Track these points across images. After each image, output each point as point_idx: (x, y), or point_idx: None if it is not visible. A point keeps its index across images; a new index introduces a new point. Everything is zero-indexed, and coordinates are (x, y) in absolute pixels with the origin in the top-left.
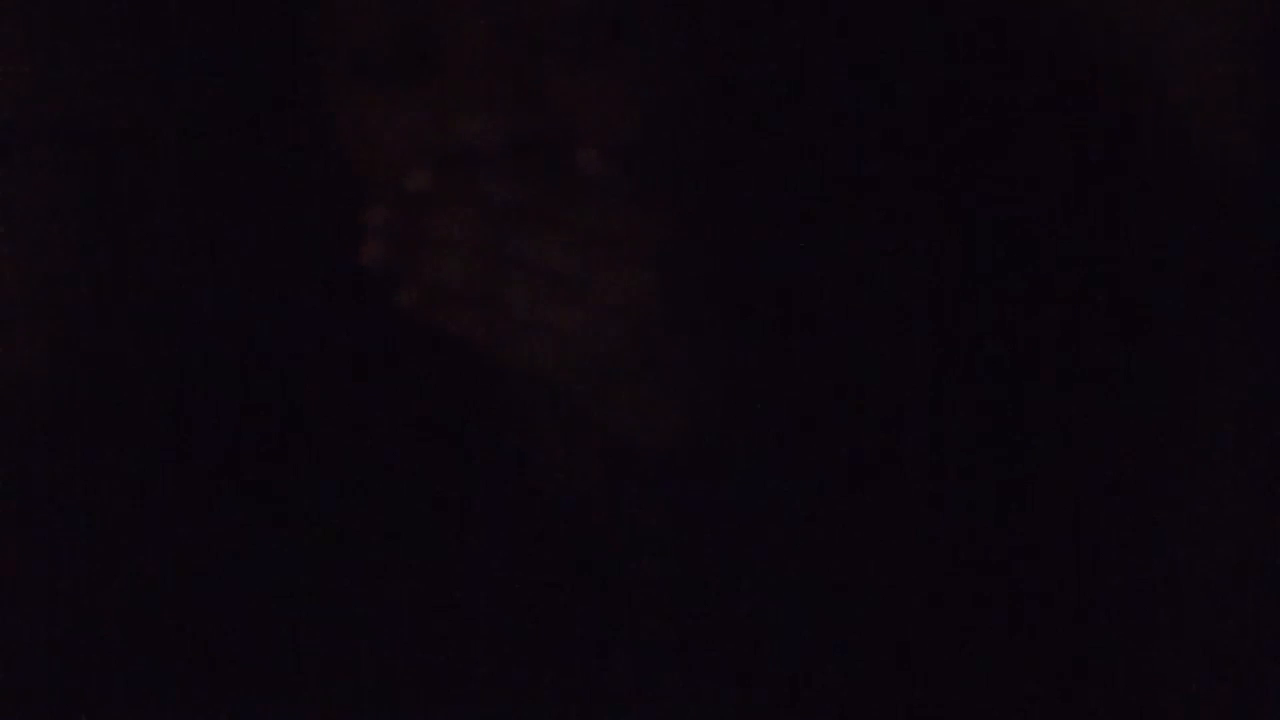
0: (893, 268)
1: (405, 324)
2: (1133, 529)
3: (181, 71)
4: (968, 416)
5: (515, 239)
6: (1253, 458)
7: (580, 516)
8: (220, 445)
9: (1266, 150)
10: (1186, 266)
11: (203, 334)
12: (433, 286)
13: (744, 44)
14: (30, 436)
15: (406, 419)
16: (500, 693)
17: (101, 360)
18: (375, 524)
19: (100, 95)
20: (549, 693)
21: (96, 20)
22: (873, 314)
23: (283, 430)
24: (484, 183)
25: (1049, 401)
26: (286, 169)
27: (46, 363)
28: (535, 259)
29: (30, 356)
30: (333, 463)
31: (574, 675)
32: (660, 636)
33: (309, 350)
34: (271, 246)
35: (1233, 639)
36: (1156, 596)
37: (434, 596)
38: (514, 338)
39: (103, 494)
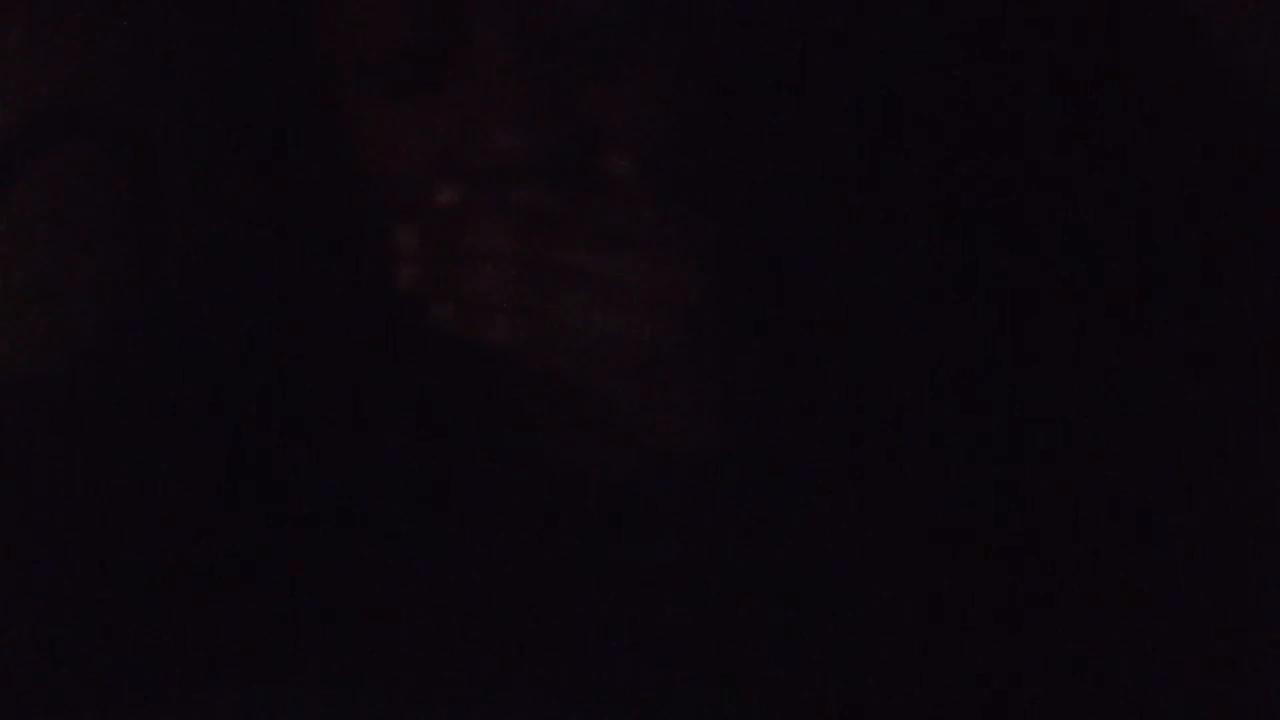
0: (926, 267)
1: (415, 326)
2: (1155, 536)
3: (200, 79)
4: (1007, 419)
5: (548, 246)
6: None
7: (596, 514)
8: (226, 443)
9: None
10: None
11: (212, 335)
12: (468, 299)
13: (765, 46)
14: (36, 435)
15: (415, 416)
16: (507, 688)
17: (109, 359)
18: (382, 522)
19: (115, 101)
20: (556, 688)
21: (110, 25)
22: (906, 313)
23: (294, 430)
24: (514, 192)
25: (1079, 410)
26: (306, 177)
27: (54, 359)
28: (569, 264)
29: (37, 353)
30: (341, 459)
31: (583, 670)
32: (674, 634)
33: (321, 352)
34: (289, 254)
35: (1232, 639)
36: (1159, 598)
37: (443, 592)
38: (553, 344)
39: (110, 493)
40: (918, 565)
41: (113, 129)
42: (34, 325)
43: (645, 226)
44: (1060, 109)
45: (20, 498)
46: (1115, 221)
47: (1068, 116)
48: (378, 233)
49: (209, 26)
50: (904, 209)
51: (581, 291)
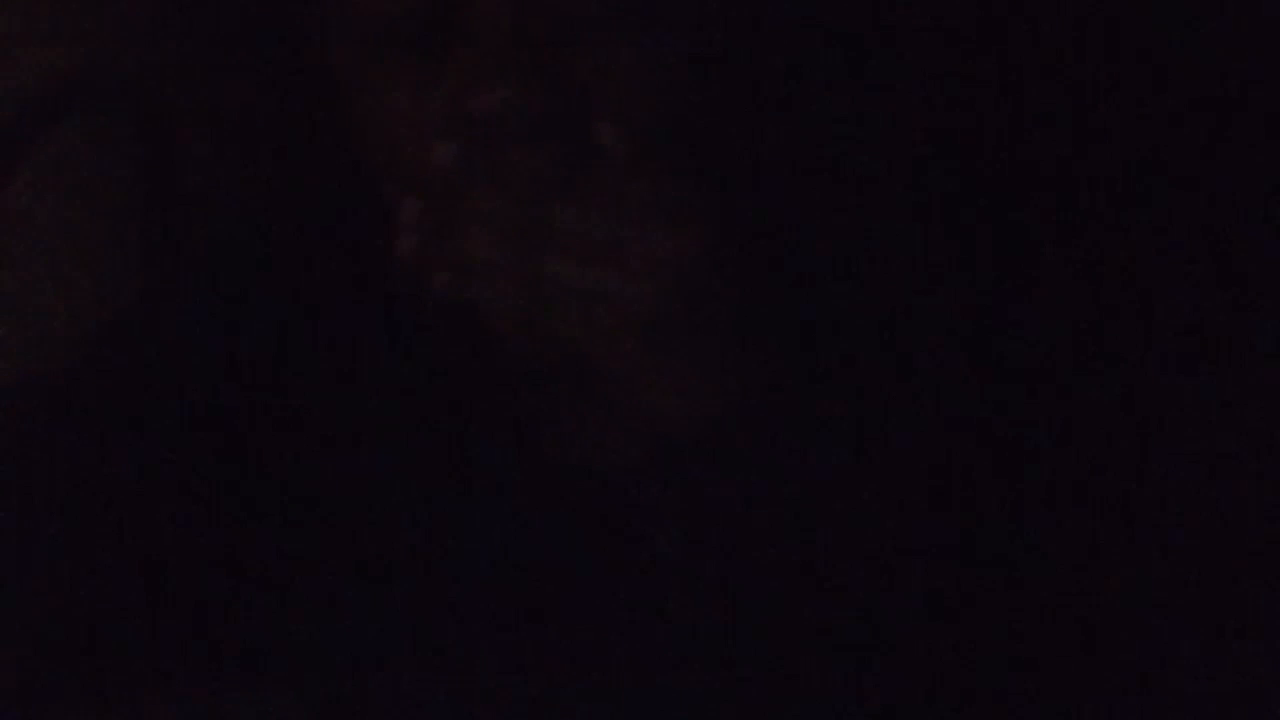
0: (927, 245)
1: (426, 305)
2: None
3: (206, 42)
4: (1015, 406)
5: (545, 208)
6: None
7: (600, 499)
8: (231, 428)
9: None
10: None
11: (218, 308)
12: (465, 262)
13: (763, 20)
14: (41, 429)
15: (423, 402)
16: (511, 680)
17: (114, 343)
18: (385, 509)
19: (122, 72)
20: (560, 680)
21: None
22: (906, 291)
23: (297, 417)
24: (511, 155)
25: (1082, 401)
26: (310, 144)
27: (60, 348)
28: (566, 226)
29: (43, 344)
30: (348, 448)
31: (588, 660)
32: (676, 624)
33: (330, 334)
34: (296, 226)
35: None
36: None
37: (448, 582)
38: (549, 306)
39: (111, 489)
40: (937, 562)
41: (117, 99)
42: (41, 316)
43: (649, 190)
44: (1060, 102)
45: (20, 495)
46: (1115, 216)
47: (1068, 107)
48: (378, 200)
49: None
50: (904, 183)
51: (576, 255)
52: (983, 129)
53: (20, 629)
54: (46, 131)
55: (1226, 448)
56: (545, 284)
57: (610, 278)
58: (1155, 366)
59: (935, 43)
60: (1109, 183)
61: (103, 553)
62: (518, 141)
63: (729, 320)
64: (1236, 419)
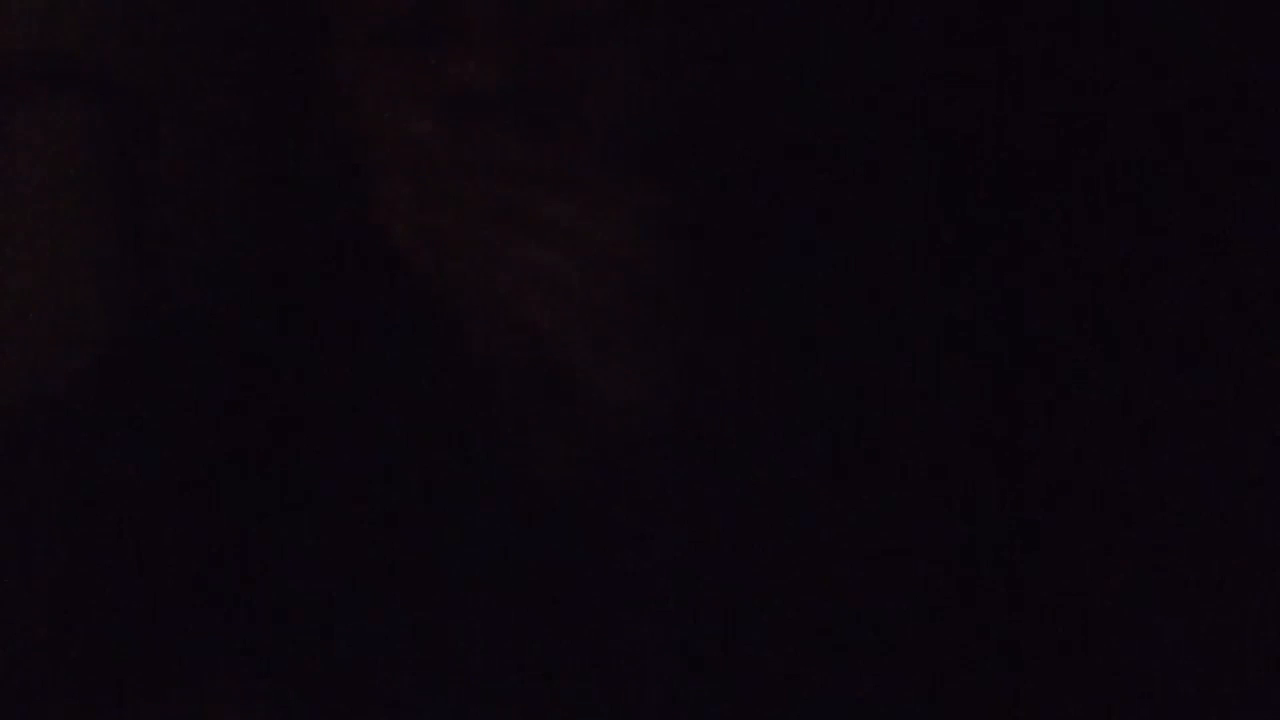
0: (907, 245)
1: (405, 309)
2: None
3: (198, 35)
4: (991, 407)
5: (520, 195)
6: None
7: (574, 505)
8: (228, 426)
9: None
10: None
11: (211, 305)
12: (443, 246)
13: (755, 17)
14: (44, 425)
15: (400, 409)
16: (496, 684)
17: (103, 344)
18: (369, 515)
19: (119, 49)
20: (544, 684)
21: None
22: (887, 290)
23: (272, 419)
24: (491, 141)
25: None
26: (301, 135)
27: (52, 354)
28: (538, 215)
29: (35, 348)
30: (325, 453)
31: (569, 666)
32: (656, 630)
33: (323, 329)
34: (288, 220)
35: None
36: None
37: (429, 589)
38: (515, 288)
39: (112, 484)
40: (919, 559)
41: (109, 91)
42: (38, 318)
43: (623, 182)
44: (1059, 100)
45: (20, 496)
46: (1114, 212)
47: (1067, 104)
48: (369, 190)
49: None
50: (898, 180)
51: (547, 244)
52: (981, 126)
53: (20, 629)
54: (20, 108)
55: (1226, 448)
56: (516, 271)
57: (581, 268)
58: (1155, 366)
59: (931, 40)
60: (1109, 181)
61: (102, 553)
62: (498, 128)
63: (705, 318)
64: (1236, 419)
